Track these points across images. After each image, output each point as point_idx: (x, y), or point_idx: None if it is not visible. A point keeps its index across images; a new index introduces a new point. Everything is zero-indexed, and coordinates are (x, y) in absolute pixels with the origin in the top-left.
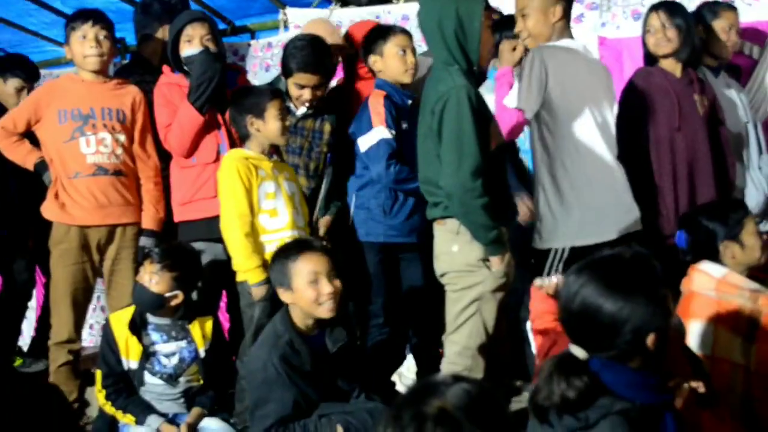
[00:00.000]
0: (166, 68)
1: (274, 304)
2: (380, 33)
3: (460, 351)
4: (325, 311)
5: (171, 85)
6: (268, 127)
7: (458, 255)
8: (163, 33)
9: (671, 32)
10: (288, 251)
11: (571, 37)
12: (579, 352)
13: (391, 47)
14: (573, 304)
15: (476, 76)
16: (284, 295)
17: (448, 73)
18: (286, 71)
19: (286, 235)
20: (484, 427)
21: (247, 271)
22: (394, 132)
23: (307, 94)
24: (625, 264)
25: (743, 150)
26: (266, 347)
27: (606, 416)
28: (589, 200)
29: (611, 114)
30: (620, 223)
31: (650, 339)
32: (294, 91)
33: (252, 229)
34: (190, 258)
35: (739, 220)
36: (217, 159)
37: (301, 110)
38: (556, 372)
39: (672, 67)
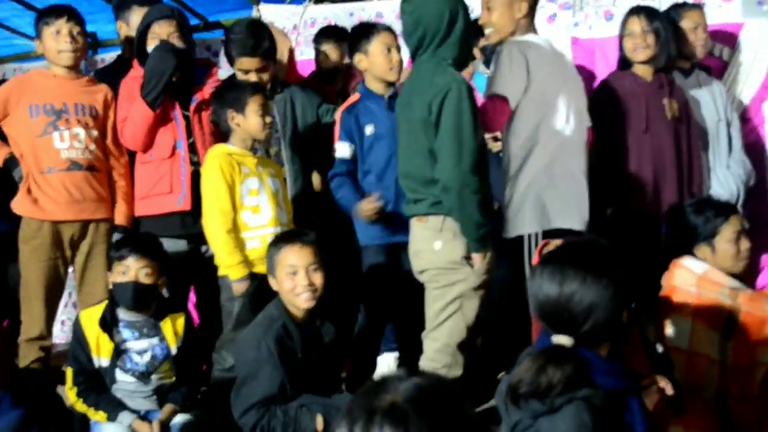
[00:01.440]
0: (135, 63)
1: (254, 300)
2: (364, 31)
3: (440, 348)
4: (302, 302)
5: (136, 79)
6: (248, 121)
7: (441, 252)
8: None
9: (650, 38)
10: (277, 242)
11: (535, 32)
12: (565, 340)
13: (376, 45)
14: (544, 295)
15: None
16: (272, 282)
17: (442, 68)
18: (230, 60)
19: (269, 231)
20: (432, 422)
21: (229, 267)
22: (349, 144)
23: (252, 77)
24: (586, 249)
25: (714, 148)
26: (261, 328)
27: (571, 401)
28: (557, 187)
29: (582, 108)
30: (584, 213)
31: (625, 314)
32: (241, 78)
33: (234, 226)
34: (159, 244)
35: (717, 225)
36: (173, 154)
37: None
38: (550, 363)
39: (644, 71)
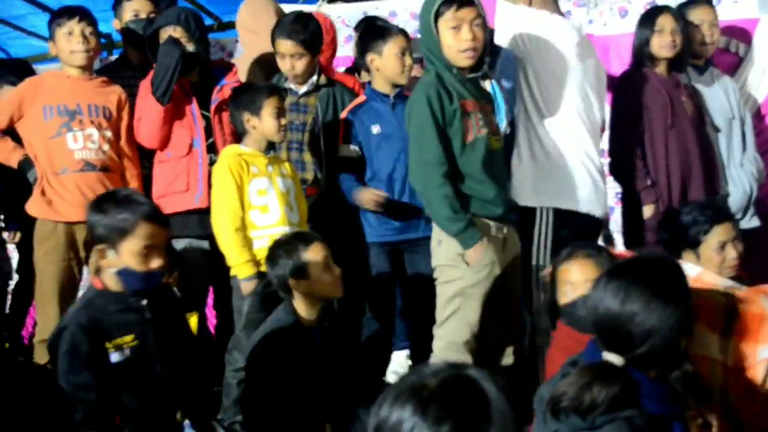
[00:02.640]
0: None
1: (263, 299)
2: (380, 32)
3: (445, 345)
4: (340, 291)
5: None
6: (263, 124)
7: (442, 249)
8: None
9: (679, 37)
10: (296, 243)
11: (558, 12)
12: (616, 359)
13: (391, 48)
14: (605, 309)
15: (460, 77)
16: (300, 286)
17: (425, 72)
18: (273, 43)
19: (277, 231)
20: (453, 414)
21: (237, 265)
22: (354, 147)
23: (287, 62)
24: (657, 269)
25: (727, 146)
26: (270, 336)
27: (612, 421)
28: (565, 168)
29: (596, 99)
30: (592, 200)
31: (684, 342)
32: (280, 65)
33: (243, 225)
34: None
35: (702, 232)
36: (190, 152)
37: (303, 88)
38: (596, 381)
39: (662, 69)
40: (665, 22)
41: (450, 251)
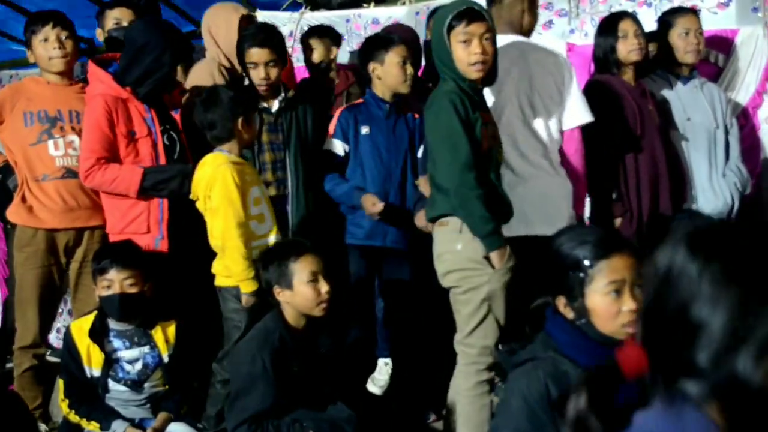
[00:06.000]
0: (103, 75)
1: (253, 312)
2: (382, 42)
3: (479, 352)
4: (320, 310)
5: (116, 100)
6: (251, 129)
7: (462, 252)
8: None
9: (643, 41)
10: (287, 251)
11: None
12: (547, 299)
13: (393, 57)
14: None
15: (475, 88)
16: (282, 294)
17: (443, 81)
18: (241, 55)
19: (271, 240)
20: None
21: (244, 279)
22: (342, 142)
23: (261, 71)
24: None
25: (711, 155)
26: (256, 342)
27: (533, 359)
28: (544, 195)
29: (544, 113)
30: (570, 214)
31: (559, 302)
32: (253, 75)
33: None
34: (139, 251)
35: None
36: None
37: (275, 105)
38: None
39: (628, 77)
40: (627, 26)
41: (474, 254)
